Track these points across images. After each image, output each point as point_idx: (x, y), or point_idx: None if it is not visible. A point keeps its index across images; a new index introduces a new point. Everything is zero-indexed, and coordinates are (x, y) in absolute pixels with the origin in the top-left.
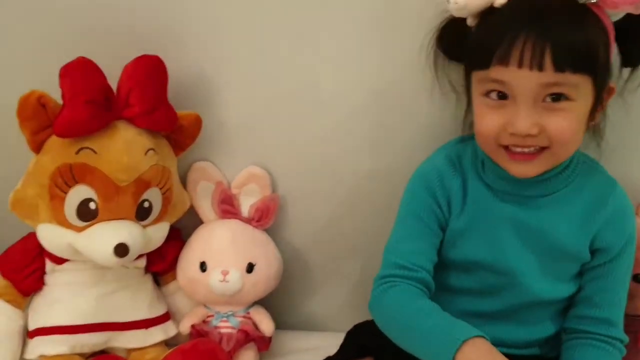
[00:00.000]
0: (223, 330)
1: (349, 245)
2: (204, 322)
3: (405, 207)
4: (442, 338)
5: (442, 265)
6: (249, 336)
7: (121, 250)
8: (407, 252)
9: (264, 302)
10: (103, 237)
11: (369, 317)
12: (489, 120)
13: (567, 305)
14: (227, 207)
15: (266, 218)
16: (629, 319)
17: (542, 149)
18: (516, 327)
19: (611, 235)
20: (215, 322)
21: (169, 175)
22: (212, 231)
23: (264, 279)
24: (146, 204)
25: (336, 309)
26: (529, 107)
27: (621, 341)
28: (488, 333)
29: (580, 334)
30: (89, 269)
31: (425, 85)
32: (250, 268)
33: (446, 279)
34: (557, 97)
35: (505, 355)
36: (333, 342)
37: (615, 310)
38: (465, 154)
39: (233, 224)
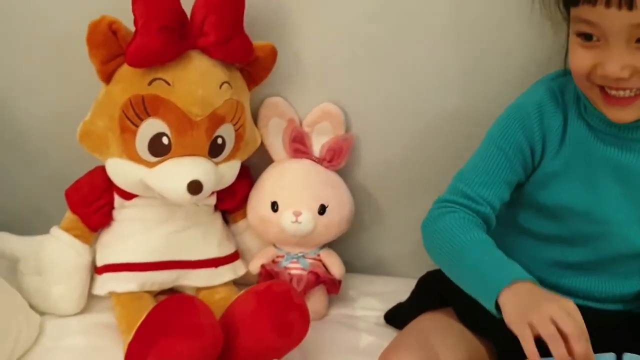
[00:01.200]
0: (293, 272)
1: (422, 189)
2: (274, 262)
3: (492, 137)
4: (491, 273)
5: (529, 209)
6: (320, 278)
7: (195, 187)
8: (477, 183)
9: (335, 245)
10: (176, 174)
11: None
12: (580, 59)
13: None
14: (299, 145)
15: (338, 158)
16: None
17: (638, 92)
18: (605, 280)
19: None
20: (285, 262)
21: (243, 110)
22: (283, 170)
23: (336, 221)
24: (219, 141)
25: (407, 253)
26: (620, 48)
27: None
28: (574, 284)
29: None
30: (159, 205)
31: (521, 13)
32: (322, 210)
33: (532, 224)
34: None
35: (588, 309)
36: (403, 287)
37: None
38: (568, 89)
39: (305, 163)
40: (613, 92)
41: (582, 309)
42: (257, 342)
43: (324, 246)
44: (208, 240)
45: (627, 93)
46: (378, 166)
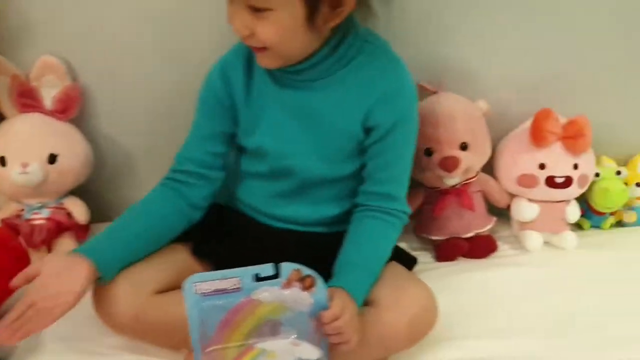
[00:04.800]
0: (35, 222)
1: (166, 135)
2: (17, 216)
3: (197, 101)
4: None
5: (243, 154)
6: (62, 225)
7: None
8: (183, 149)
9: (81, 192)
10: None
11: None
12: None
13: (355, 184)
14: (26, 100)
15: (69, 109)
16: (428, 191)
17: (264, 48)
18: (306, 206)
19: (381, 114)
20: (27, 215)
21: None
22: (10, 126)
23: (69, 169)
24: None
25: None
26: (237, 10)
27: (402, 212)
28: (284, 212)
29: (364, 208)
30: None
31: None
32: (52, 159)
33: (247, 165)
34: (262, 9)
35: (297, 232)
36: None
37: (395, 185)
38: None
39: (34, 116)
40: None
41: (293, 233)
42: None
43: (67, 195)
44: None
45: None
46: (117, 114)
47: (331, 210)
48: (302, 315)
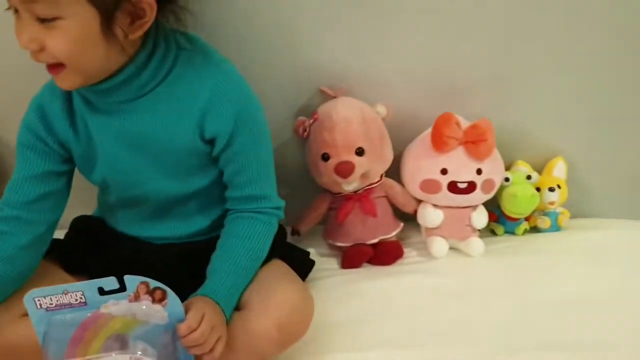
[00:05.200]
0: None
1: None
2: None
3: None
4: None
5: (98, 188)
6: None
7: None
8: (7, 196)
9: None
10: None
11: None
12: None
13: (221, 190)
14: None
15: None
16: (333, 197)
17: (59, 65)
18: (175, 223)
19: (215, 122)
20: None
21: None
22: None
23: None
24: None
25: None
26: (24, 24)
27: (272, 208)
28: (154, 232)
29: (233, 212)
30: None
31: None
32: None
33: (102, 196)
34: (49, 19)
35: (172, 245)
36: None
37: (256, 185)
38: None
39: None
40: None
41: (172, 245)
42: None
43: None
44: None
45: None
46: (11, 112)
47: (202, 222)
48: (158, 328)
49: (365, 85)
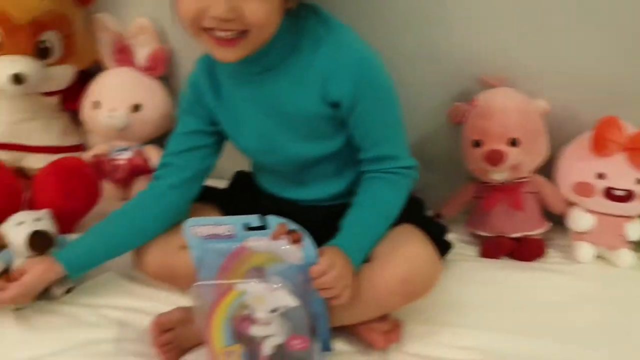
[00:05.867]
0: (118, 162)
1: None
2: (104, 155)
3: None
4: None
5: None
6: (139, 168)
7: (16, 79)
8: (165, 149)
9: (161, 142)
10: (3, 66)
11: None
12: (187, 4)
13: (351, 156)
14: (122, 56)
15: (157, 67)
16: (480, 185)
17: (242, 33)
18: (314, 186)
19: (337, 89)
20: (113, 154)
21: (69, 23)
22: (106, 75)
23: (150, 120)
24: (45, 45)
25: None
26: None
27: (404, 167)
28: (294, 195)
29: (366, 173)
30: (6, 98)
31: None
32: (136, 108)
33: (253, 161)
34: None
35: (316, 207)
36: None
37: (386, 146)
38: None
39: (126, 70)
40: (220, 34)
41: (315, 207)
42: (48, 202)
43: (148, 143)
44: (49, 131)
45: (231, 35)
46: None
47: (339, 184)
48: (292, 268)
49: (526, 80)
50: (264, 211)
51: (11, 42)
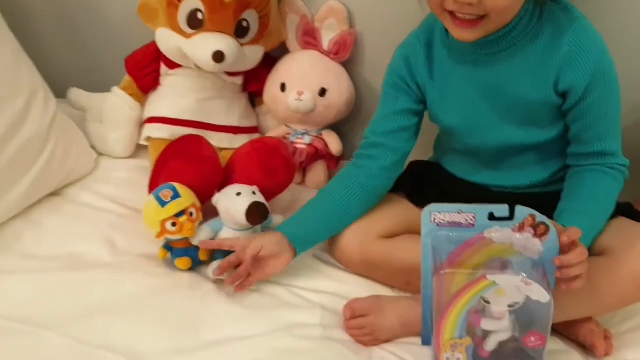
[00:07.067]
0: (298, 146)
1: None
2: (284, 138)
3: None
4: None
5: (441, 131)
6: (319, 152)
7: (218, 56)
8: (370, 124)
9: (338, 128)
10: (205, 43)
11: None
12: None
13: (563, 145)
14: (309, 39)
15: (343, 51)
16: None
17: (482, 16)
18: (510, 173)
19: (571, 76)
20: (292, 138)
21: (268, 1)
22: (294, 58)
23: (335, 105)
24: (244, 23)
25: None
26: None
27: (619, 165)
28: (489, 180)
29: (579, 167)
30: (194, 76)
31: None
32: (323, 92)
33: (449, 142)
34: None
35: (505, 194)
36: None
37: (606, 142)
38: (438, 23)
39: (313, 53)
40: (460, 15)
41: (504, 195)
42: (247, 179)
43: (327, 127)
44: (231, 111)
45: (471, 16)
46: (380, 62)
47: (540, 173)
48: (527, 262)
49: None
50: (453, 198)
51: (216, 20)
